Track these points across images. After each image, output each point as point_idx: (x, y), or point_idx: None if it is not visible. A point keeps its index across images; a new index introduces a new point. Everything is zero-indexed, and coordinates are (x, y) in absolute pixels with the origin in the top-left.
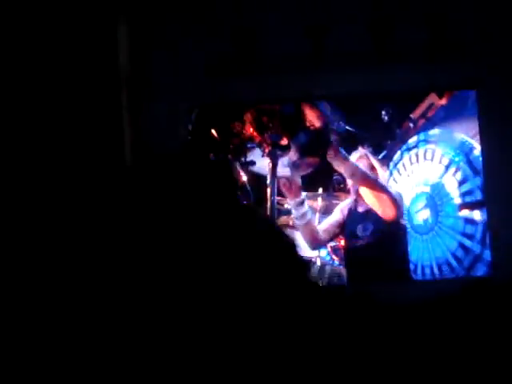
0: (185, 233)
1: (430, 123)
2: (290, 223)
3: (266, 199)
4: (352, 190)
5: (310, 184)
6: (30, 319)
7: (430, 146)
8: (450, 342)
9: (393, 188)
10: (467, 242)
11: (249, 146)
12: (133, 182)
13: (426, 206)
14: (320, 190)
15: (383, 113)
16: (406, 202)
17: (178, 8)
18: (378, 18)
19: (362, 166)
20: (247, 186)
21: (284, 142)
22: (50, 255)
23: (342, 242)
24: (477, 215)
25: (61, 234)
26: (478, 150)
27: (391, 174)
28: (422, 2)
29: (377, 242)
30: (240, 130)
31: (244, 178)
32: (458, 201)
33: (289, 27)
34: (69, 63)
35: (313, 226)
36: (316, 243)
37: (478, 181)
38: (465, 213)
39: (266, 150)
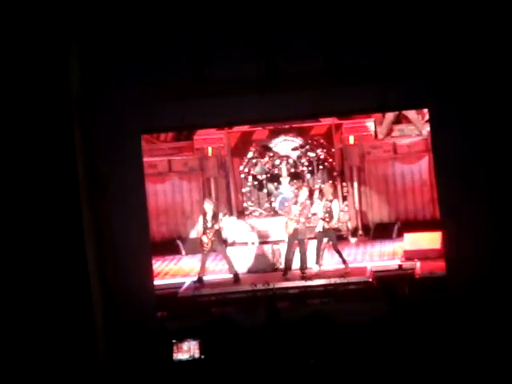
0: None
1: None
2: None
3: None
4: None
5: None
6: None
7: None
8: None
9: None
10: None
11: None
12: None
13: None
14: None
15: None
16: None
17: (126, 35)
18: (330, 39)
19: None
20: None
21: None
22: None
23: None
24: None
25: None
26: None
27: None
28: (372, 25)
29: None
30: None
31: None
32: None
33: (240, 51)
34: (21, 88)
35: None
36: None
37: None
38: None
39: None
